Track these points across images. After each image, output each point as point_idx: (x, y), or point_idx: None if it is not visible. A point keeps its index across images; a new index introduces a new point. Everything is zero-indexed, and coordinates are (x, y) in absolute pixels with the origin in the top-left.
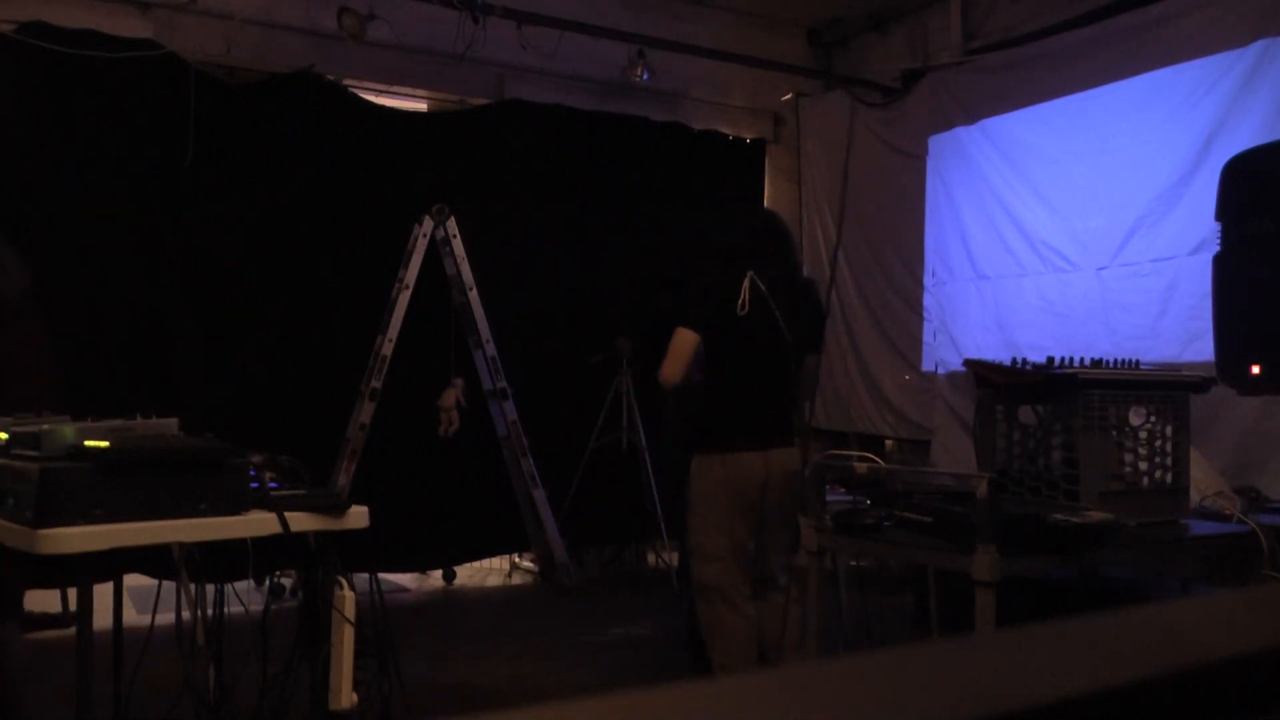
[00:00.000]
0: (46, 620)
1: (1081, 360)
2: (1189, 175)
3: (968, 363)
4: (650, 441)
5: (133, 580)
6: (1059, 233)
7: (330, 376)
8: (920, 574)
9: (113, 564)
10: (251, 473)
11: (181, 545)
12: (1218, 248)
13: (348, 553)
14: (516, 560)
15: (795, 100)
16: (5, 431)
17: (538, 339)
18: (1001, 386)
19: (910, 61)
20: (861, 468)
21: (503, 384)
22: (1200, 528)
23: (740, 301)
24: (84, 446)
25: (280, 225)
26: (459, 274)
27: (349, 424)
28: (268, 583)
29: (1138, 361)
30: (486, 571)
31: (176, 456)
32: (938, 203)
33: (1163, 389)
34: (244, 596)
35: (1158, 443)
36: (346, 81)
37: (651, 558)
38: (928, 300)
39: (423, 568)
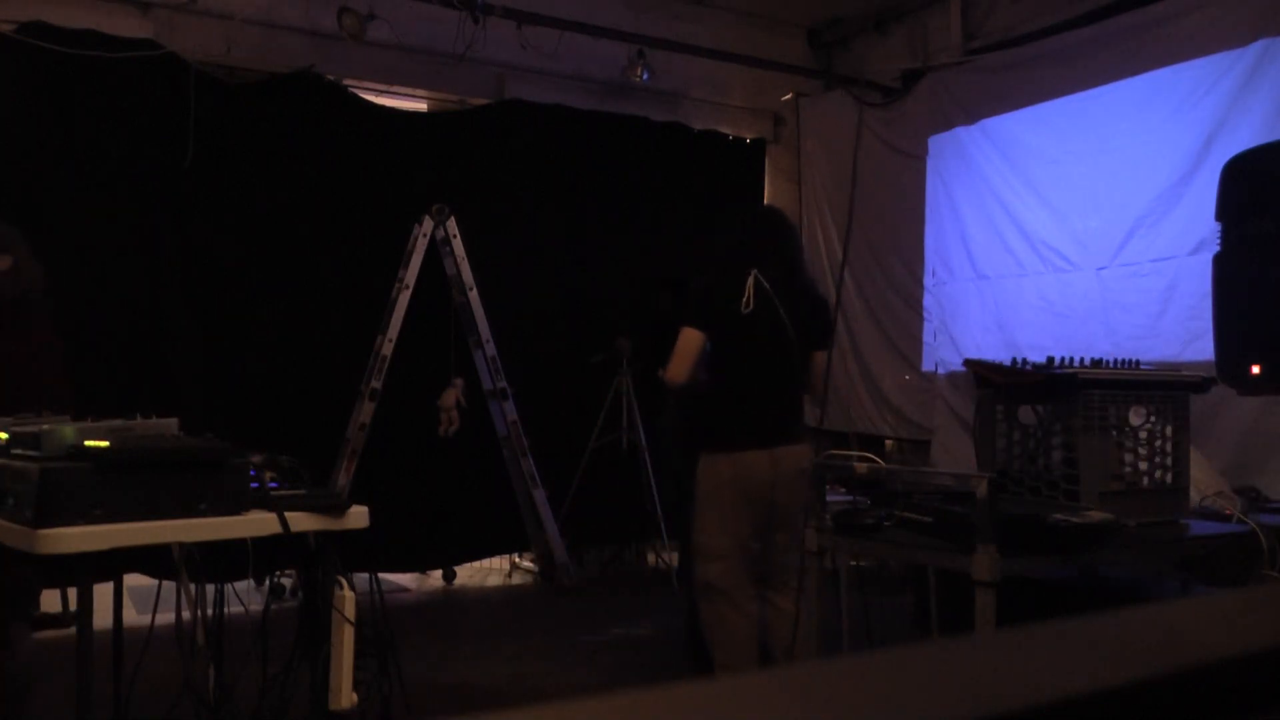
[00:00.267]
0: (47, 620)
1: (1081, 360)
2: (1189, 175)
3: (968, 363)
4: (650, 441)
5: (133, 580)
6: (1059, 233)
7: (330, 376)
8: (920, 574)
9: (113, 564)
10: (251, 473)
11: (181, 545)
12: (1218, 248)
13: (348, 553)
14: (516, 560)
15: (795, 100)
16: (5, 431)
17: (538, 339)
18: (1001, 386)
19: (910, 61)
20: (861, 468)
21: (503, 384)
22: (1200, 528)
23: (744, 300)
24: (84, 446)
25: (280, 225)
26: (459, 274)
27: (349, 424)
28: (268, 583)
29: (1138, 361)
30: (486, 571)
31: (176, 456)
32: (938, 203)
33: (1163, 389)
34: (244, 596)
35: (1158, 443)
36: (346, 81)
37: (651, 558)
38: (928, 300)
39: (423, 568)
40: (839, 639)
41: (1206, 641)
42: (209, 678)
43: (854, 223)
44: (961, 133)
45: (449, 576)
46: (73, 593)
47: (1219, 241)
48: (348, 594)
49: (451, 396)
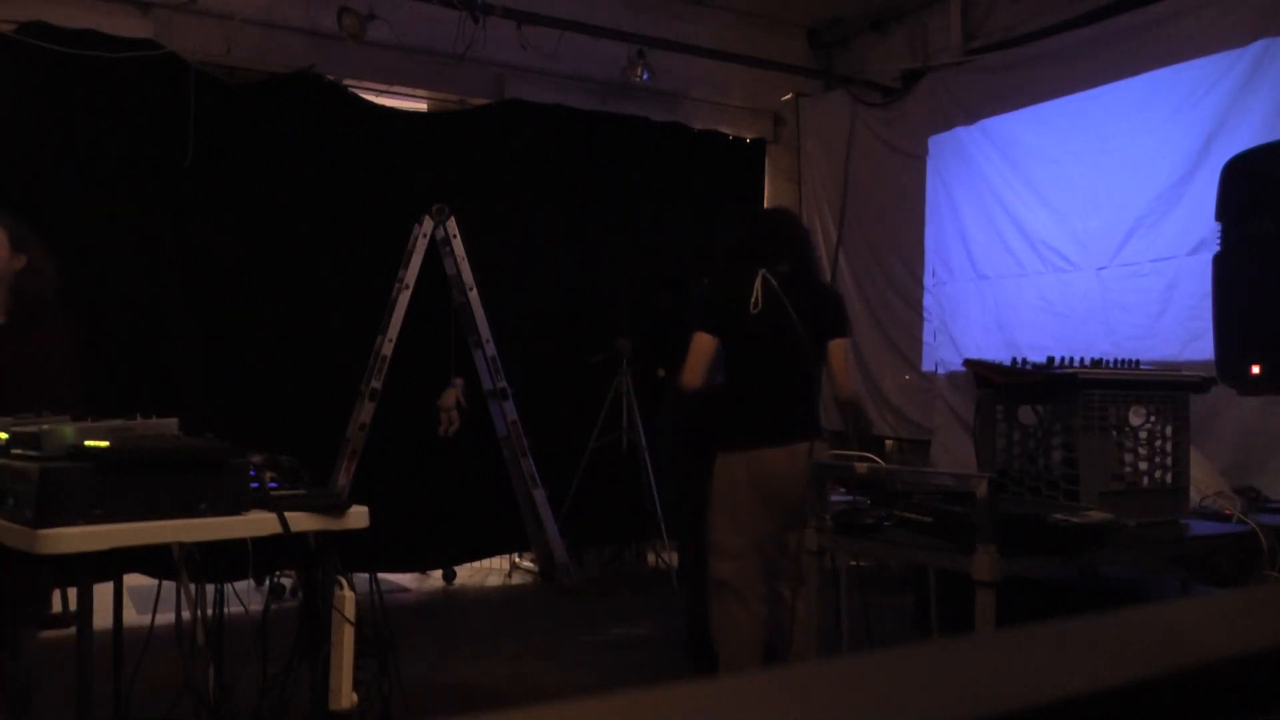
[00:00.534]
0: (47, 620)
1: (1081, 360)
2: (1189, 175)
3: (968, 363)
4: (650, 441)
5: (133, 580)
6: (1059, 233)
7: (330, 376)
8: (920, 574)
9: (113, 564)
10: (251, 473)
11: (181, 545)
12: (1217, 248)
13: (348, 553)
14: (516, 560)
15: (795, 100)
16: (5, 431)
17: (538, 339)
18: (1001, 386)
19: (910, 61)
20: (861, 468)
21: (503, 384)
22: (1200, 528)
23: (752, 300)
24: (84, 446)
25: (280, 225)
26: (459, 274)
27: (349, 424)
28: (268, 583)
29: (1138, 361)
30: (486, 571)
31: (176, 456)
32: (938, 203)
33: (1163, 389)
34: (244, 596)
35: (1158, 443)
36: (346, 81)
37: (651, 558)
38: (928, 300)
39: (423, 568)
40: (839, 639)
41: (1206, 641)
42: (209, 678)
43: (855, 223)
44: (961, 133)
45: (449, 576)
46: (73, 593)
47: (1219, 241)
48: (348, 594)
49: (451, 396)
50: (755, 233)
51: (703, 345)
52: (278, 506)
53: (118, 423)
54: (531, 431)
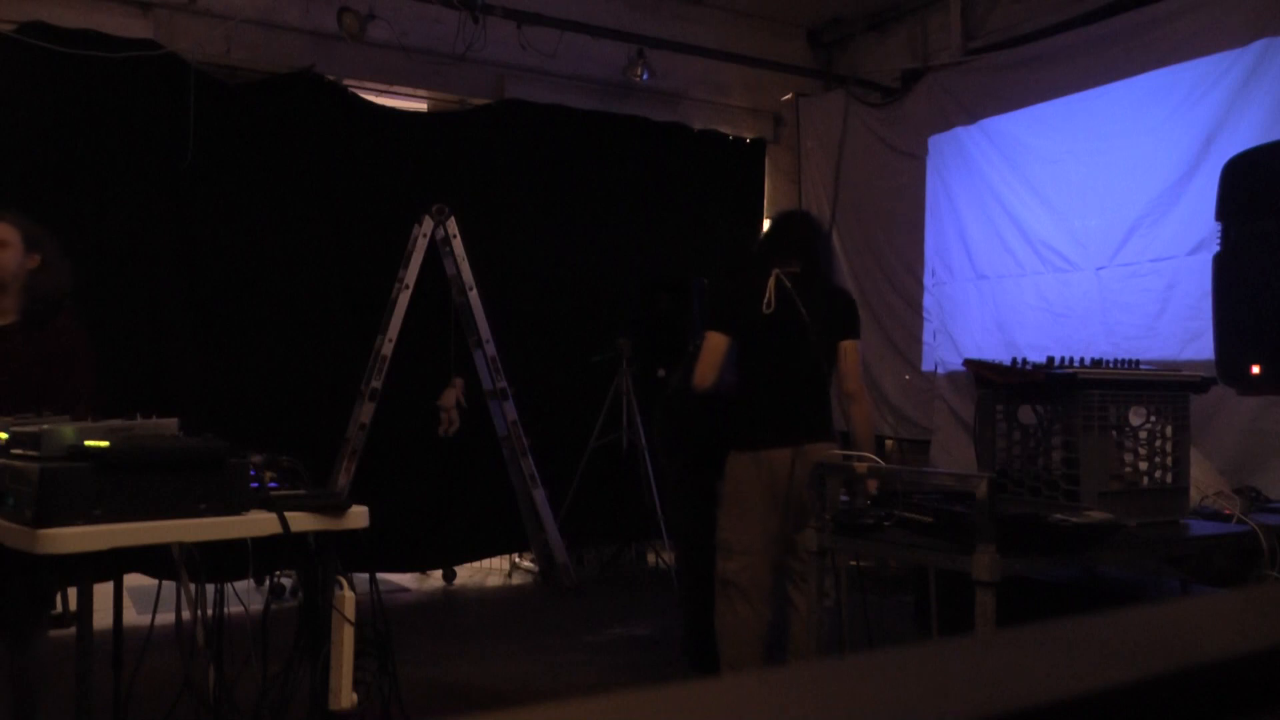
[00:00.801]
0: (49, 620)
1: (1081, 360)
2: (1188, 175)
3: (967, 363)
4: (649, 441)
5: (133, 580)
6: (1058, 233)
7: (330, 376)
8: (920, 574)
9: (113, 564)
10: (251, 473)
11: (181, 545)
12: (1217, 247)
13: (348, 553)
14: (516, 560)
15: (795, 100)
16: (5, 431)
17: (538, 339)
18: (1001, 386)
19: (910, 61)
20: (861, 468)
21: (503, 384)
22: (1200, 528)
23: (765, 300)
24: (84, 446)
25: (280, 225)
26: (459, 274)
27: (349, 424)
28: (268, 583)
29: (1137, 361)
30: (486, 571)
31: (176, 456)
32: (937, 203)
33: (1163, 389)
34: (244, 596)
35: (1158, 443)
36: (346, 81)
37: (651, 558)
38: (927, 300)
39: (423, 568)
40: (839, 639)
41: (1206, 641)
42: (209, 678)
43: (854, 223)
44: (961, 133)
45: (449, 576)
46: (73, 593)
47: (1219, 241)
48: (347, 594)
49: (451, 396)
50: (771, 233)
51: (715, 344)
52: (278, 506)
53: (118, 423)
54: (531, 431)
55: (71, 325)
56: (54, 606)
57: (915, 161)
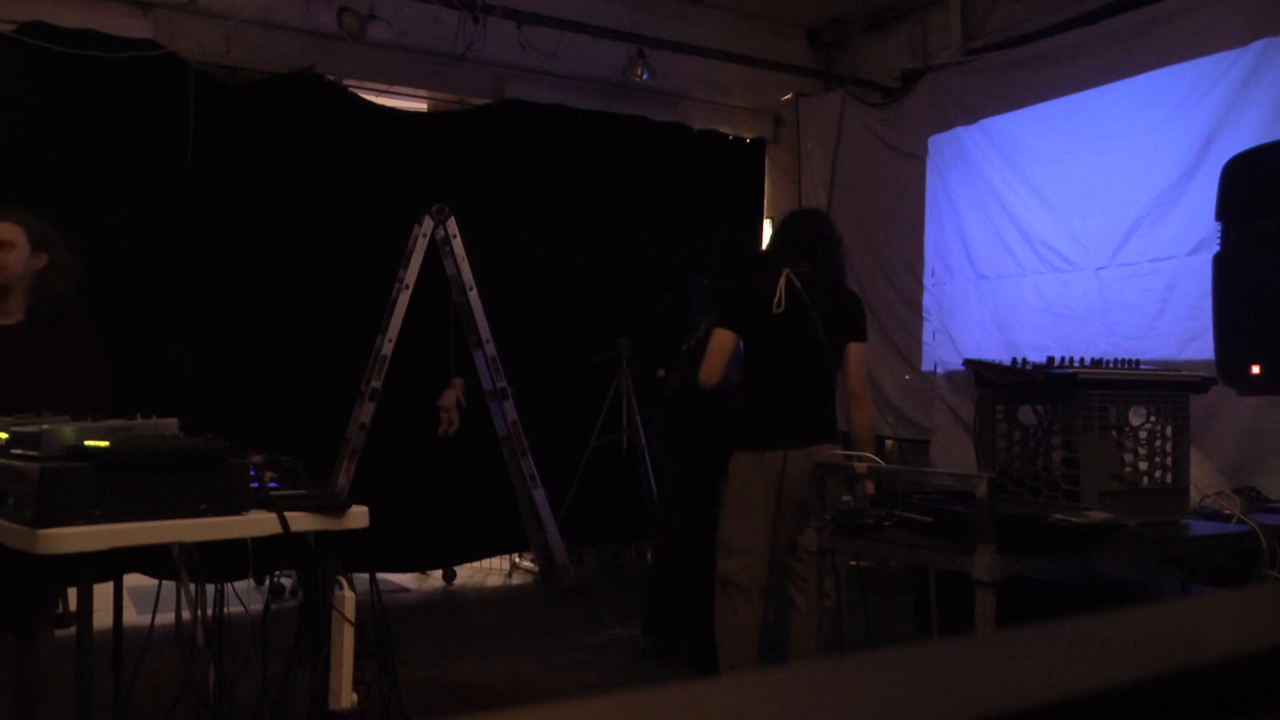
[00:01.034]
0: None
1: (1081, 360)
2: (1188, 175)
3: (968, 363)
4: (649, 441)
5: (133, 580)
6: (1058, 233)
7: (330, 376)
8: (920, 574)
9: (113, 564)
10: (251, 473)
11: (181, 545)
12: (1217, 247)
13: (348, 553)
14: (516, 560)
15: (795, 100)
16: (5, 431)
17: (538, 339)
18: (1001, 386)
19: (910, 61)
20: (861, 468)
21: (503, 384)
22: (1200, 528)
23: (775, 300)
24: (84, 446)
25: (280, 225)
26: (459, 274)
27: (349, 424)
28: (268, 583)
29: (1137, 361)
30: (486, 571)
31: (176, 456)
32: (937, 203)
33: (1163, 389)
34: (244, 596)
35: (1158, 443)
36: (346, 81)
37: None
38: (927, 300)
39: (423, 568)
40: (839, 639)
41: (1206, 641)
42: (209, 678)
43: (854, 223)
44: (961, 133)
45: (449, 576)
46: (73, 593)
47: (1219, 241)
48: (347, 594)
49: (451, 396)
50: (782, 231)
51: (723, 341)
52: (278, 506)
53: (118, 423)
54: (531, 431)
55: (78, 325)
56: (56, 607)
57: (915, 161)
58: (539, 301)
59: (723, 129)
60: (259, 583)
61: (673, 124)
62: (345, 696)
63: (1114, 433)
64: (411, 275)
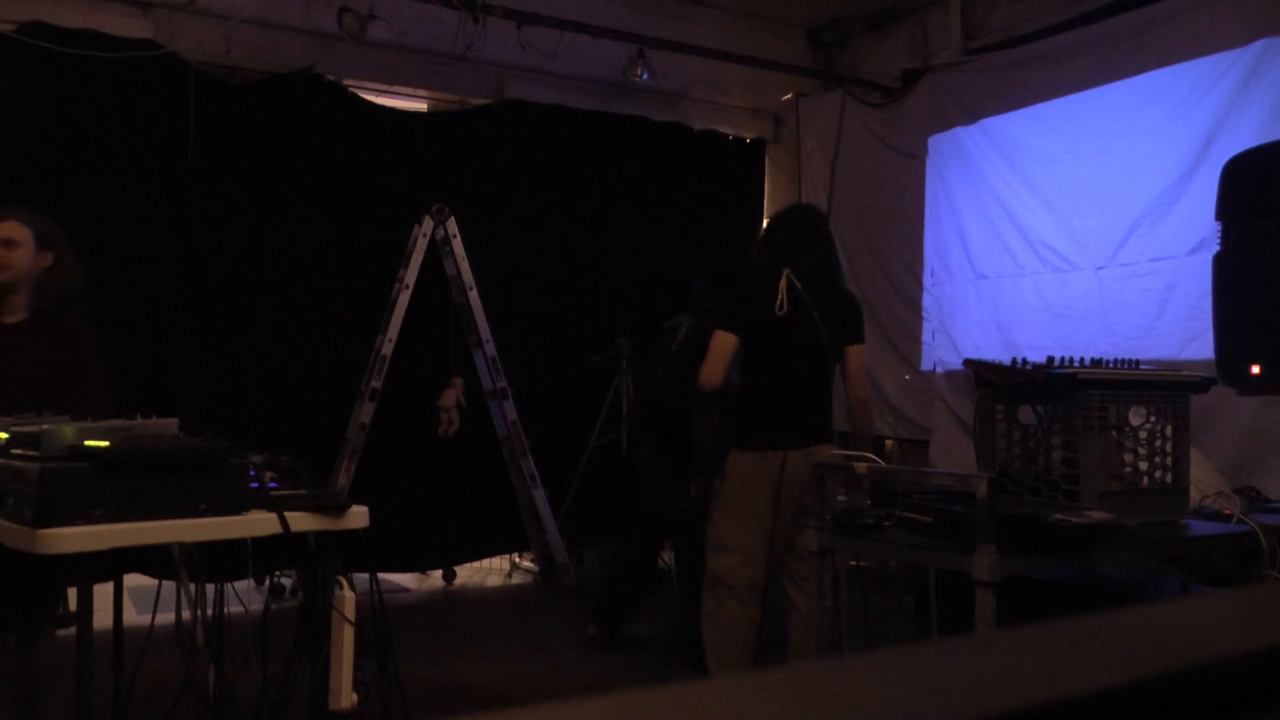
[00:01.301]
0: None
1: (1081, 360)
2: (1188, 175)
3: (967, 363)
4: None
5: (133, 580)
6: (1058, 233)
7: (330, 376)
8: (920, 574)
9: (113, 564)
10: (251, 473)
11: (181, 545)
12: (1217, 247)
13: (348, 553)
14: (516, 560)
15: (795, 100)
16: (5, 431)
17: (538, 339)
18: (1001, 386)
19: (910, 61)
20: (861, 468)
21: (503, 384)
22: (1200, 528)
23: (778, 301)
24: (84, 446)
25: (280, 225)
26: (459, 274)
27: (349, 424)
28: (268, 583)
29: (1137, 361)
30: (486, 571)
31: (176, 456)
32: (937, 203)
33: (1163, 389)
34: (244, 596)
35: (1158, 443)
36: (346, 81)
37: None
38: (927, 300)
39: (423, 568)
40: (839, 639)
41: (1206, 641)
42: (209, 678)
43: (854, 223)
44: (961, 132)
45: (449, 576)
46: (73, 593)
47: (1219, 241)
48: (348, 594)
49: (451, 396)
50: (779, 230)
51: (724, 343)
52: (278, 506)
53: (118, 423)
54: (531, 431)
55: (83, 324)
56: (58, 607)
57: (915, 161)
58: (539, 301)
59: (723, 129)
60: (259, 583)
61: (673, 124)
62: (345, 696)
63: (1114, 433)
64: (411, 275)
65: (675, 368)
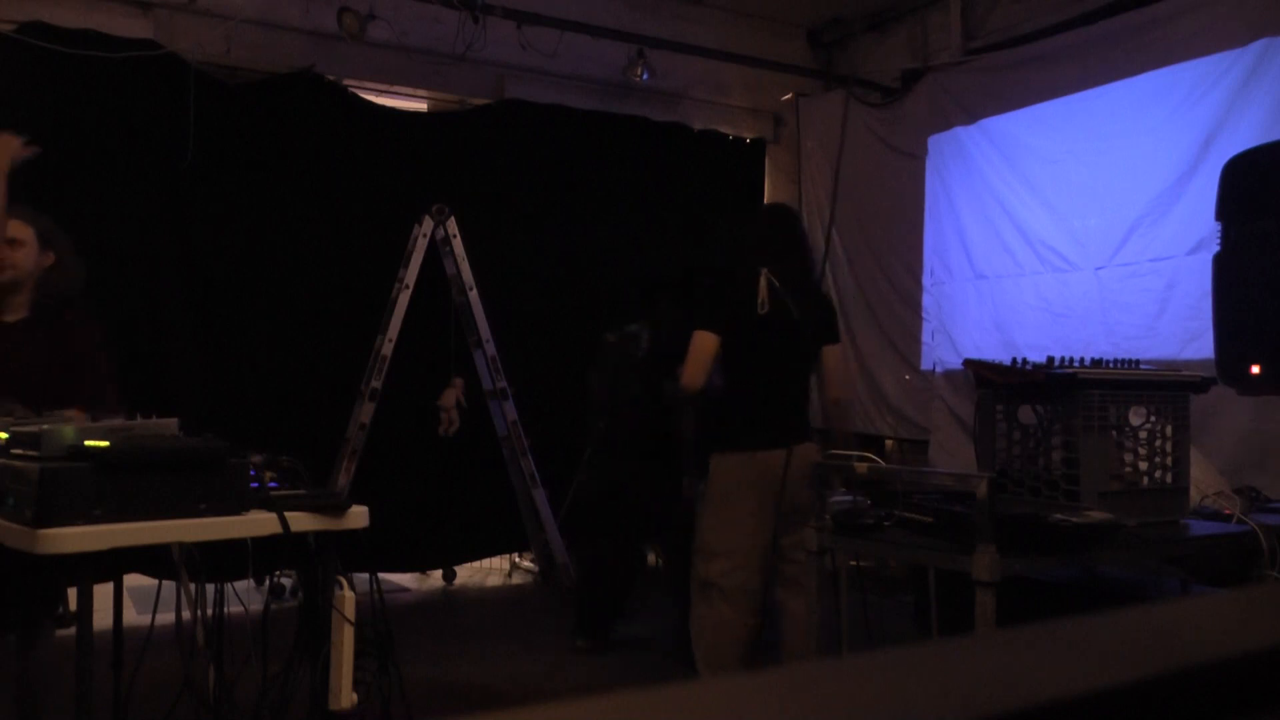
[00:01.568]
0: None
1: (1081, 360)
2: (1188, 175)
3: (967, 363)
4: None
5: (133, 580)
6: (1058, 232)
7: (330, 376)
8: (920, 574)
9: (113, 564)
10: (251, 473)
11: (181, 545)
12: (1217, 247)
13: (348, 553)
14: (516, 560)
15: (795, 100)
16: (5, 431)
17: (538, 339)
18: (1001, 386)
19: (910, 61)
20: (861, 468)
21: (503, 384)
22: (1200, 528)
23: (759, 301)
24: (84, 446)
25: (280, 225)
26: (459, 274)
27: (349, 424)
28: (268, 583)
29: (1137, 361)
30: (486, 571)
31: (176, 456)
32: (937, 202)
33: (1163, 389)
34: (244, 596)
35: (1158, 443)
36: (346, 81)
37: (651, 558)
38: (926, 300)
39: (423, 568)
40: (839, 639)
41: (1206, 641)
42: (209, 678)
43: (854, 223)
44: (961, 132)
45: (449, 576)
46: (73, 593)
47: (1219, 241)
48: (348, 594)
49: (451, 396)
50: (757, 230)
51: (706, 344)
52: (278, 506)
53: (118, 423)
54: (531, 431)
55: (85, 323)
56: (58, 607)
57: (915, 161)
58: (539, 301)
59: (723, 129)
60: (259, 583)
61: (673, 124)
62: (345, 696)
63: (1114, 433)
64: (411, 275)
65: (645, 374)
